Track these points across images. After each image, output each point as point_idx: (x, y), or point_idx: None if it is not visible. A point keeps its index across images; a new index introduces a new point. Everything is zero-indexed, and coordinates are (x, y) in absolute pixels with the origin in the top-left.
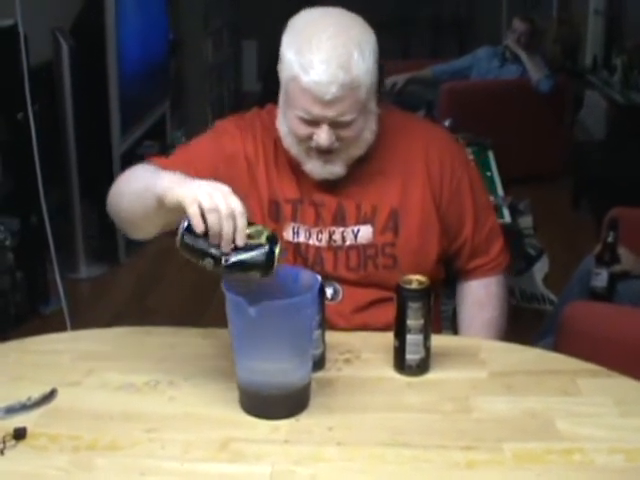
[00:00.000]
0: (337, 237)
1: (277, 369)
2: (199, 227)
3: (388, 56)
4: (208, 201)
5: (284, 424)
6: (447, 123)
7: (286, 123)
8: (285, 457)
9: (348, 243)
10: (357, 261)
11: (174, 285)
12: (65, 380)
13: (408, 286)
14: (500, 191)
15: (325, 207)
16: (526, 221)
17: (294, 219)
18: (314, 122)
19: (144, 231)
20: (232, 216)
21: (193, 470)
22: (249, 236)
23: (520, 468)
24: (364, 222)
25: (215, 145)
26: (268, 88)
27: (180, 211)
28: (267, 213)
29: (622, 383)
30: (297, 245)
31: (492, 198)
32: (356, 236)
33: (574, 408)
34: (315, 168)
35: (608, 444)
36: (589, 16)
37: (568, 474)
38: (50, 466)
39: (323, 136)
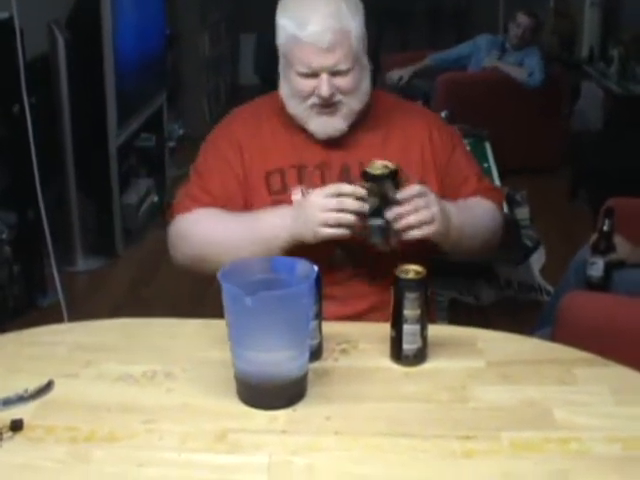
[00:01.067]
0: None
1: (274, 359)
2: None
3: (387, 48)
4: (329, 217)
5: (281, 414)
6: (443, 114)
7: (288, 85)
8: (283, 447)
9: None
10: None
11: (171, 277)
12: (62, 372)
13: (405, 276)
14: (497, 182)
15: (331, 168)
16: (523, 212)
17: (301, 182)
18: (314, 74)
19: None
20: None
21: (191, 461)
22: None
23: (517, 457)
24: None
25: (221, 158)
26: (267, 80)
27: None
28: (265, 184)
29: (618, 372)
30: None
31: None
32: None
33: (571, 397)
34: (319, 125)
35: (605, 433)
36: (586, 7)
37: (565, 463)
38: (47, 458)
39: (324, 86)
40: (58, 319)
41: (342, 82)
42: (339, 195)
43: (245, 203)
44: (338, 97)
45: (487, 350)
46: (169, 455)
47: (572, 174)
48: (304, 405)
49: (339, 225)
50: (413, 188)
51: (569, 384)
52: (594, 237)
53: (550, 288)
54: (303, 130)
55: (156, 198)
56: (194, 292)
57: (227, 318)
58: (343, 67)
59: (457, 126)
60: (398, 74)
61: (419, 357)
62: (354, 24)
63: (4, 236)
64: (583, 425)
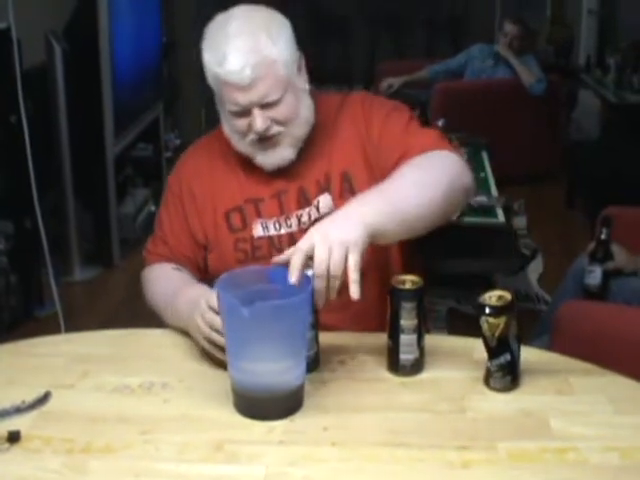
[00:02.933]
0: (305, 219)
1: (271, 370)
2: (216, 355)
3: (384, 56)
4: (201, 328)
5: (279, 425)
6: (440, 123)
7: (227, 123)
8: (280, 458)
9: (314, 218)
10: None
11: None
12: (59, 383)
13: (401, 286)
14: (494, 191)
15: (288, 194)
16: (520, 221)
17: (259, 215)
18: (246, 112)
19: None
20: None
21: (188, 472)
22: None
23: (515, 467)
24: (322, 192)
25: (176, 205)
26: None
27: None
28: (226, 223)
29: (615, 381)
30: (270, 238)
31: (486, 199)
32: (318, 208)
33: (568, 407)
34: (265, 158)
35: (602, 442)
36: (582, 16)
37: (563, 473)
38: (44, 469)
39: (259, 122)
40: (55, 329)
41: (276, 113)
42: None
43: (211, 243)
44: (276, 129)
45: (484, 360)
46: (166, 466)
47: (569, 183)
48: (301, 416)
49: (209, 341)
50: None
51: (566, 394)
52: (592, 246)
53: (548, 297)
54: (255, 165)
55: (153, 208)
56: None
57: (223, 329)
58: (273, 98)
59: (454, 135)
60: (388, 82)
61: (416, 367)
62: (277, 51)
63: (1, 246)
64: (580, 435)
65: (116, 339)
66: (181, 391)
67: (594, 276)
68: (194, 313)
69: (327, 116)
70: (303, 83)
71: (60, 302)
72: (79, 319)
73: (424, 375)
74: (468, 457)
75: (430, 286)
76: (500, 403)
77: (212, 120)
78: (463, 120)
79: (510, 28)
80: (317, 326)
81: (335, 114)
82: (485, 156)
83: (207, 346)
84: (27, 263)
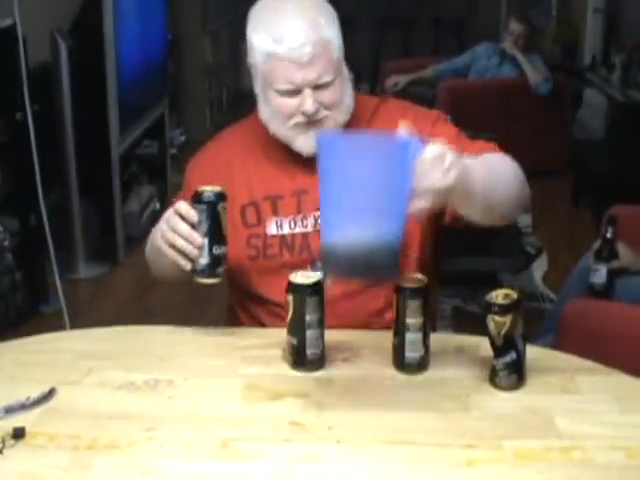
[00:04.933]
0: None
1: (367, 221)
2: (180, 262)
3: (389, 55)
4: (166, 234)
5: (284, 423)
6: None
7: (269, 106)
8: (285, 456)
9: None
10: None
11: (173, 285)
12: (64, 379)
13: (407, 284)
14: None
15: (308, 194)
16: (525, 219)
17: (275, 213)
18: (297, 91)
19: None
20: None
21: (193, 469)
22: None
23: (521, 466)
24: None
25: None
26: None
27: None
28: (241, 218)
29: (621, 380)
30: (282, 237)
31: None
32: None
33: (574, 406)
34: (305, 142)
35: (608, 441)
36: (588, 14)
37: (569, 472)
38: (49, 465)
39: (309, 102)
40: (60, 326)
41: (326, 96)
42: (179, 214)
43: None
44: (323, 113)
45: (490, 358)
46: (171, 463)
47: (574, 181)
48: (306, 414)
49: (174, 247)
50: (433, 150)
51: (572, 392)
52: (597, 244)
53: (552, 296)
54: (284, 157)
55: (158, 205)
56: (196, 299)
57: (321, 184)
58: (326, 79)
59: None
60: (394, 80)
61: (422, 365)
62: (333, 34)
63: (6, 243)
64: (586, 434)
65: (121, 336)
66: (186, 388)
67: (599, 275)
68: (160, 221)
69: (362, 115)
70: (347, 71)
71: (65, 299)
72: (84, 316)
73: (429, 373)
74: (474, 456)
75: (436, 285)
76: (506, 402)
77: (217, 117)
78: (468, 118)
79: (516, 26)
80: (323, 324)
81: (371, 115)
82: None
83: (171, 253)
84: (32, 260)
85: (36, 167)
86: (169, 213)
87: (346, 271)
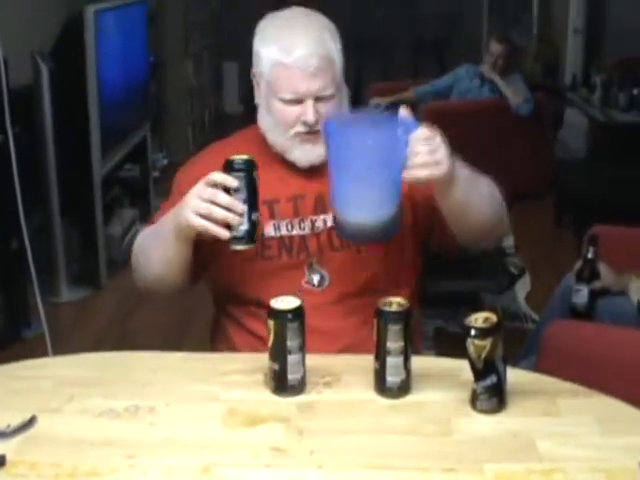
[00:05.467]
0: (319, 224)
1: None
2: (217, 233)
3: (370, 77)
4: (201, 206)
5: (265, 449)
6: None
7: (272, 116)
8: None
9: (329, 225)
10: (340, 240)
11: (156, 307)
12: (45, 406)
13: (388, 308)
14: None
15: (305, 199)
16: (508, 240)
17: (272, 217)
18: (299, 101)
19: (178, 282)
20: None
21: None
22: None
23: None
24: None
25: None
26: (250, 109)
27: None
28: None
29: (602, 402)
30: (280, 238)
31: None
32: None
33: (555, 428)
34: (302, 153)
35: (589, 463)
36: (569, 34)
37: None
38: None
39: (310, 112)
40: (42, 351)
41: (326, 109)
42: (214, 185)
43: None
44: (321, 125)
45: (471, 381)
46: None
47: (556, 201)
48: (288, 439)
49: (211, 218)
50: (425, 131)
51: (553, 415)
52: (578, 265)
53: (535, 316)
54: (279, 165)
55: (140, 229)
56: (178, 323)
57: (332, 165)
58: (328, 92)
59: None
60: (376, 102)
61: (403, 389)
62: (336, 52)
63: None
64: (567, 456)
65: (102, 362)
66: (168, 415)
67: (581, 295)
68: (187, 198)
69: None
70: (346, 89)
71: (47, 323)
72: (66, 340)
73: (411, 397)
74: (455, 479)
75: (417, 306)
76: (487, 425)
77: (199, 139)
78: (450, 140)
79: (496, 47)
80: (304, 349)
81: None
82: None
83: (205, 225)
84: (14, 284)
85: (17, 190)
86: (200, 188)
87: (356, 237)
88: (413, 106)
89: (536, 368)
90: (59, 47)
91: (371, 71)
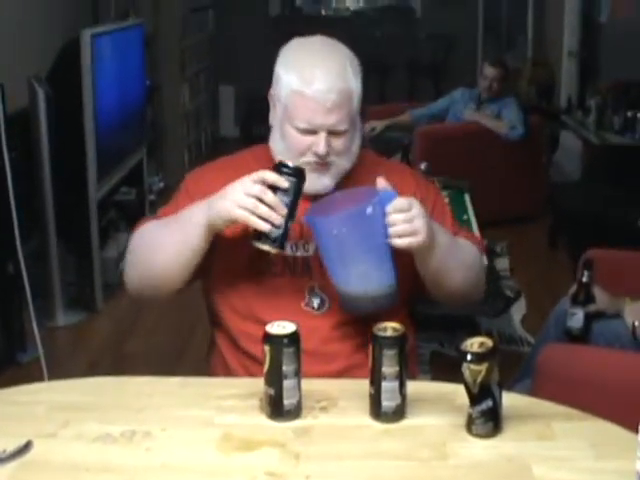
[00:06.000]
0: None
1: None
2: (257, 225)
3: (365, 100)
4: (247, 201)
5: (260, 474)
6: (422, 167)
7: (284, 140)
8: None
9: None
10: None
11: (152, 331)
12: (41, 432)
13: (383, 333)
14: (477, 234)
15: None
16: (503, 263)
17: None
18: (313, 132)
19: (179, 280)
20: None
21: None
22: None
23: None
24: None
25: (194, 193)
26: (247, 132)
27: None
28: (242, 231)
29: (597, 426)
30: (284, 257)
31: None
32: None
33: (550, 452)
34: (309, 182)
35: None
36: (563, 57)
37: None
38: None
39: (322, 145)
40: (38, 375)
41: (337, 143)
42: (263, 183)
43: (221, 248)
44: (332, 157)
45: (466, 406)
46: None
47: (551, 224)
48: (284, 464)
49: (255, 213)
50: (401, 201)
51: (548, 439)
52: (573, 288)
53: (531, 339)
54: None
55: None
56: (174, 347)
57: (325, 253)
58: (341, 128)
59: (436, 178)
60: (371, 125)
61: (398, 414)
62: (357, 86)
63: None
64: None
65: (98, 387)
66: (163, 439)
67: (576, 319)
68: (230, 187)
69: (363, 165)
70: (359, 121)
71: (43, 347)
72: (62, 364)
73: (406, 422)
74: None
75: (414, 329)
76: (482, 449)
77: (196, 162)
78: (445, 163)
79: (490, 71)
80: (299, 373)
81: (374, 167)
82: (467, 199)
83: (246, 217)
84: (10, 308)
85: (14, 214)
86: (247, 183)
87: (358, 310)
88: (409, 129)
89: (531, 392)
90: (56, 71)
91: (367, 94)
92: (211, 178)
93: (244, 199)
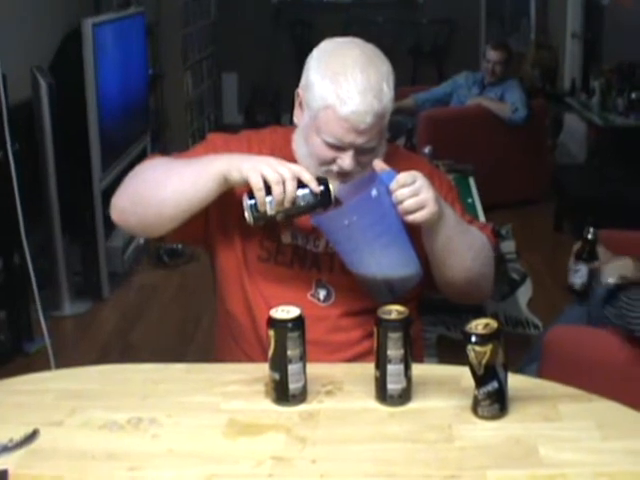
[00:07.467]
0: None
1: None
2: (260, 197)
3: None
4: (271, 173)
5: (267, 458)
6: (426, 150)
7: (308, 146)
8: None
9: None
10: None
11: (158, 320)
12: (48, 420)
13: (387, 316)
14: (482, 217)
15: None
16: (509, 246)
17: (291, 225)
18: (341, 147)
19: (167, 222)
20: (285, 181)
21: None
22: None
23: None
24: None
25: (216, 149)
26: (251, 119)
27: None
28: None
29: (603, 406)
30: (296, 247)
31: None
32: None
33: (556, 433)
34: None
35: (591, 468)
36: (567, 40)
37: None
38: None
39: (348, 161)
40: (45, 365)
41: (365, 158)
42: (294, 176)
43: (232, 227)
44: (357, 169)
45: (472, 388)
46: None
47: (557, 207)
48: (290, 448)
49: (269, 189)
50: (404, 175)
51: (554, 420)
52: (578, 245)
53: (537, 322)
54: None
55: (142, 241)
56: (181, 335)
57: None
58: (371, 145)
59: (440, 162)
60: None
61: (404, 397)
62: (391, 100)
63: None
64: (569, 461)
65: (104, 375)
66: (169, 426)
67: (579, 275)
68: (256, 158)
69: (387, 157)
70: (386, 131)
71: (49, 337)
72: (69, 354)
73: (412, 405)
74: None
75: (420, 314)
76: (488, 431)
77: None
78: (449, 147)
79: (492, 54)
80: (304, 358)
81: (397, 159)
82: (472, 182)
83: (260, 183)
84: (16, 298)
85: (18, 205)
86: (280, 163)
87: (388, 295)
88: (413, 113)
89: (538, 373)
90: (58, 62)
91: None
92: (235, 144)
93: (269, 170)
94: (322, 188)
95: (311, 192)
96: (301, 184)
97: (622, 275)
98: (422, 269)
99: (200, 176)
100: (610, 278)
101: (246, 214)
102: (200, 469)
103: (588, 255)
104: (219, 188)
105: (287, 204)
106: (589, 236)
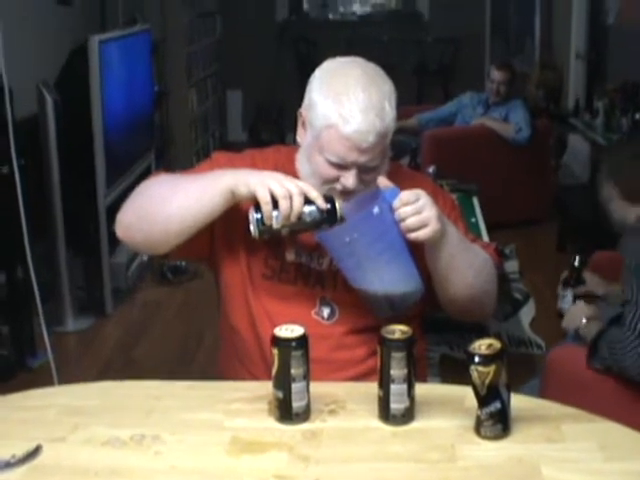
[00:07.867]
0: (336, 262)
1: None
2: (267, 211)
3: None
4: (279, 188)
5: (269, 477)
6: (431, 170)
7: (311, 165)
8: None
9: None
10: None
11: (161, 337)
12: (50, 436)
13: (391, 336)
14: (485, 237)
15: None
16: (512, 265)
17: (295, 243)
18: (344, 166)
19: (173, 237)
20: (292, 196)
21: None
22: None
23: None
24: None
25: (220, 166)
26: (255, 137)
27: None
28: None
29: (605, 427)
30: (299, 265)
31: None
32: None
33: (559, 454)
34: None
35: None
36: (571, 60)
37: None
38: None
39: (351, 180)
40: (48, 380)
41: (368, 177)
42: (301, 192)
43: (236, 244)
44: (359, 187)
45: (475, 408)
46: None
47: (560, 227)
48: (292, 467)
49: (276, 203)
50: (407, 194)
51: (556, 441)
52: (565, 273)
53: (540, 342)
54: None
55: (145, 257)
56: (184, 351)
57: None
58: (374, 164)
59: (445, 181)
60: None
61: (407, 416)
62: (392, 122)
63: None
64: None
65: (108, 390)
66: (172, 443)
67: (566, 300)
68: (264, 173)
69: (391, 176)
70: (389, 149)
71: (52, 352)
72: (72, 369)
73: (415, 424)
74: None
75: (424, 333)
76: (491, 451)
77: None
78: (453, 166)
79: (496, 74)
80: (308, 377)
81: (400, 177)
82: (476, 202)
83: (268, 198)
84: (19, 313)
85: (23, 220)
86: (288, 179)
87: (389, 311)
88: (417, 133)
89: (540, 391)
90: (64, 78)
91: None
92: (239, 163)
93: (277, 185)
94: (329, 206)
95: (318, 209)
96: (308, 201)
97: (588, 290)
98: (424, 286)
99: (206, 191)
100: (571, 324)
101: (251, 227)
102: None
103: (575, 281)
104: (226, 203)
105: (293, 219)
106: (575, 263)
